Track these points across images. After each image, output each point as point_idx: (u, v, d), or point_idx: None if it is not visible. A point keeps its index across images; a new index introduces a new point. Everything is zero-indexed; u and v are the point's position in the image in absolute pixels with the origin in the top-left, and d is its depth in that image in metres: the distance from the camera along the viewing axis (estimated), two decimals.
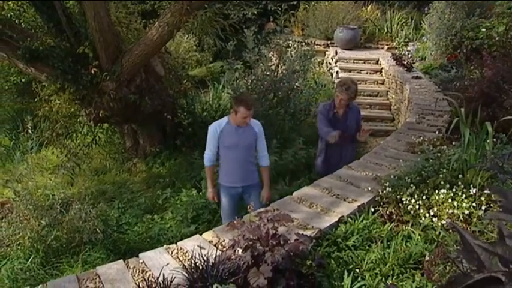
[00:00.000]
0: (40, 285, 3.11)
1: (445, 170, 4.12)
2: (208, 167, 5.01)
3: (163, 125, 8.14)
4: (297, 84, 7.28)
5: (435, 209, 3.73)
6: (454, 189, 3.83)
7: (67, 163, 7.56)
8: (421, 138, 5.61)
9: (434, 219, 3.62)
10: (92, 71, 6.60)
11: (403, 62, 10.41)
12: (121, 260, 3.30)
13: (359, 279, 3.09)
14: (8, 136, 11.17)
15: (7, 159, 9.23)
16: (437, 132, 5.89)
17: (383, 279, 3.07)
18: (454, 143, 5.13)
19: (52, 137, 7.89)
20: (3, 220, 5.42)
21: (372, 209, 3.90)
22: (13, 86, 12.03)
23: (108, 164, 8.29)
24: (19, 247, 5.27)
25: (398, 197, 3.94)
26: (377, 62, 11.76)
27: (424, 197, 3.83)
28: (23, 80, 11.56)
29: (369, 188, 4.28)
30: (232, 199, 4.97)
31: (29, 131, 6.28)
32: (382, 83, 11.09)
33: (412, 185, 4.00)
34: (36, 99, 7.76)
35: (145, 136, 8.21)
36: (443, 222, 3.59)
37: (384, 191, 4.06)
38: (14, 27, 6.97)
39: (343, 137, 5.22)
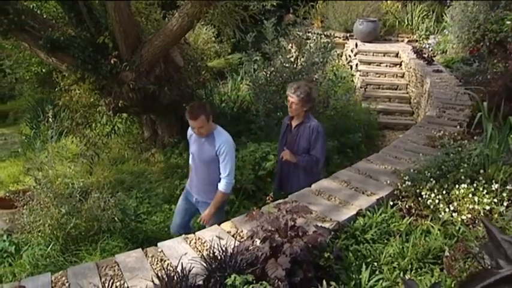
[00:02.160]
0: (61, 271, 3.16)
1: (465, 165, 4.07)
2: (190, 167, 4.86)
3: (182, 115, 8.12)
4: (316, 76, 7.23)
5: (455, 204, 3.69)
6: (474, 185, 3.78)
7: (86, 152, 7.66)
8: (442, 132, 5.54)
9: (454, 214, 3.59)
10: (112, 61, 6.63)
11: (424, 55, 10.28)
12: (140, 249, 3.34)
13: (377, 272, 3.08)
14: (29, 125, 11.33)
15: (28, 148, 9.37)
16: (458, 127, 5.82)
17: (401, 273, 3.06)
18: (475, 137, 5.06)
19: (72, 126, 7.96)
20: (25, 207, 5.51)
21: (391, 203, 3.87)
22: (34, 76, 12.19)
23: (126, 153, 8.34)
24: (39, 234, 5.35)
25: (417, 191, 3.91)
26: (397, 55, 11.64)
27: (444, 192, 3.79)
28: (43, 70, 11.70)
29: (388, 182, 4.25)
30: (184, 200, 4.75)
31: (50, 120, 6.36)
32: (402, 76, 10.96)
33: (431, 180, 3.96)
34: (56, 89, 7.83)
35: (163, 126, 8.23)
36: (463, 217, 3.55)
37: (403, 185, 4.03)
38: (36, 18, 7.04)
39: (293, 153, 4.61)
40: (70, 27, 7.20)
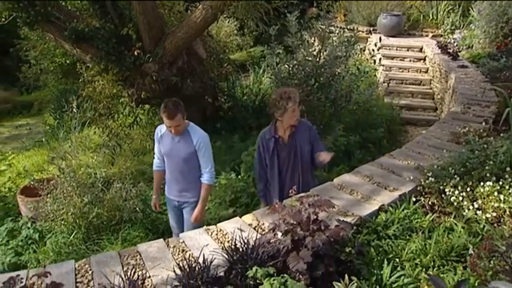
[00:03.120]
0: (84, 259, 3.20)
1: (491, 162, 3.99)
2: (154, 172, 4.74)
3: (204, 108, 8.19)
4: (338, 70, 7.17)
5: (479, 201, 3.63)
6: (500, 182, 3.71)
7: (109, 143, 7.74)
8: (466, 128, 5.45)
9: (479, 212, 3.53)
10: (135, 53, 6.69)
11: (449, 50, 10.12)
12: (161, 239, 3.36)
13: (398, 268, 3.04)
14: (53, 115, 11.49)
15: (51, 138, 9.52)
16: (483, 123, 5.72)
17: (423, 270, 3.02)
18: (502, 134, 4.95)
19: (95, 117, 8.06)
20: (49, 196, 5.60)
21: (414, 199, 3.83)
22: (58, 67, 12.40)
23: (148, 145, 8.40)
24: (63, 222, 5.44)
25: (441, 187, 3.85)
26: (421, 50, 11.48)
27: (468, 189, 3.73)
28: (67, 62, 11.90)
29: (411, 177, 4.20)
30: (172, 211, 4.69)
31: (74, 110, 6.45)
32: (426, 72, 10.82)
33: (455, 176, 3.89)
34: (80, 80, 7.93)
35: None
36: (488, 215, 3.49)
37: (427, 181, 3.97)
38: (61, 9, 7.13)
39: (293, 166, 4.33)
40: (94, 18, 7.28)
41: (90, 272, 3.02)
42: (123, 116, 8.20)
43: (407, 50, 11.58)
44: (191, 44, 7.13)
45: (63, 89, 12.93)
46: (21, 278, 2.39)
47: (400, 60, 11.30)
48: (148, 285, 2.78)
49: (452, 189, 3.74)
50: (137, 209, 5.49)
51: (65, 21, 6.87)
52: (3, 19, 6.89)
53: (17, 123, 12.89)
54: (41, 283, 2.58)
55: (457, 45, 10.94)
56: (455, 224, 3.49)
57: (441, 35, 12.26)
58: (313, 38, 7.64)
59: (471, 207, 3.57)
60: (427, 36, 12.64)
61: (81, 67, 7.67)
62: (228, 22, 13.08)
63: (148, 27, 6.64)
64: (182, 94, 7.27)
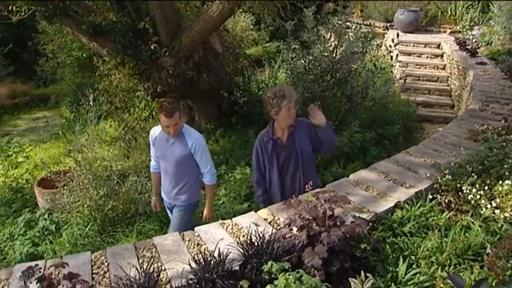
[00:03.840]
0: (100, 251, 3.23)
1: (510, 161, 3.94)
2: (151, 174, 4.77)
3: (219, 102, 8.21)
4: (354, 66, 7.12)
5: (498, 200, 3.58)
6: None
7: (124, 136, 7.79)
8: (485, 126, 5.38)
9: (497, 211, 3.48)
10: (152, 47, 6.71)
11: (467, 46, 9.98)
12: (177, 232, 3.38)
13: (414, 266, 3.02)
14: (69, 108, 11.60)
15: (68, 131, 9.61)
16: (502, 121, 5.63)
17: (439, 268, 2.99)
18: None
19: (111, 110, 8.11)
20: (65, 188, 5.67)
21: (430, 196, 3.79)
22: (75, 60, 12.50)
23: None
24: (78, 214, 5.51)
25: (458, 185, 3.80)
26: (438, 46, 11.34)
27: (486, 187, 3.68)
28: (84, 55, 11.99)
29: (427, 175, 4.15)
30: (169, 211, 4.73)
31: (90, 103, 6.50)
32: (443, 68, 10.69)
33: (473, 174, 3.85)
34: (96, 74, 7.99)
35: (200, 113, 8.30)
36: (507, 214, 3.44)
37: (443, 179, 3.93)
38: (79, 3, 7.18)
39: (293, 168, 4.14)
40: (111, 12, 7.31)
41: (106, 264, 3.05)
42: (138, 110, 8.24)
43: (425, 47, 11.45)
44: (207, 38, 7.13)
45: (79, 82, 13.06)
46: (40, 268, 2.42)
47: (417, 56, 11.19)
48: (163, 277, 2.80)
49: (469, 188, 3.70)
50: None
51: (83, 15, 6.91)
52: (22, 13, 6.95)
53: (34, 116, 13.04)
54: (58, 273, 2.61)
55: (475, 41, 10.78)
56: (473, 222, 3.44)
57: (459, 31, 12.10)
58: (329, 34, 7.60)
59: (489, 205, 3.52)
60: (445, 32, 12.47)
61: (98, 61, 7.71)
62: (244, 17, 13.06)
63: (165, 21, 6.65)
64: (198, 88, 7.29)
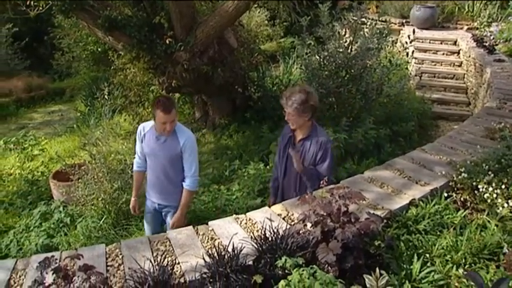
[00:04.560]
0: (114, 244, 3.25)
1: None
2: (134, 172, 4.45)
3: (234, 97, 8.22)
4: (370, 62, 7.08)
5: None
6: None
7: None
8: (502, 124, 5.31)
9: None
10: (167, 41, 6.74)
11: (484, 43, 9.86)
12: (191, 226, 3.39)
13: (428, 264, 3.00)
14: (84, 102, 11.69)
15: (82, 124, 9.70)
16: None
17: (454, 267, 2.97)
18: None
19: (125, 104, 8.16)
20: (79, 181, 5.72)
21: (445, 194, 3.76)
22: (90, 54, 12.59)
23: None
24: (93, 207, 5.55)
25: (474, 183, 3.76)
26: (455, 43, 11.23)
27: (502, 186, 3.63)
28: (99, 49, 12.07)
29: (443, 172, 4.12)
30: (149, 213, 4.42)
31: (105, 97, 6.55)
32: (460, 65, 10.59)
33: (490, 173, 3.80)
34: (111, 68, 8.03)
35: (215, 108, 8.32)
36: None
37: (459, 177, 3.89)
38: None
39: (294, 173, 4.01)
40: (127, 7, 7.34)
41: (120, 257, 3.07)
42: None
43: (441, 43, 11.35)
44: (222, 33, 7.13)
45: (94, 76, 13.16)
46: (56, 259, 2.44)
47: (433, 53, 11.09)
48: (177, 271, 2.81)
49: (486, 186, 3.66)
50: None
51: (99, 10, 6.95)
52: (40, 8, 7.01)
53: (50, 109, 13.16)
54: (73, 265, 2.63)
55: (493, 38, 10.63)
56: (489, 221, 3.41)
57: (477, 28, 11.95)
58: (344, 30, 7.56)
59: (506, 204, 3.47)
60: (461, 29, 12.34)
61: (113, 55, 7.76)
62: (259, 12, 13.02)
63: (180, 16, 6.67)
64: (212, 83, 7.30)
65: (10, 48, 14.56)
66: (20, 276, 2.90)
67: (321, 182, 3.48)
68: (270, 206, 3.78)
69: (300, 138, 3.96)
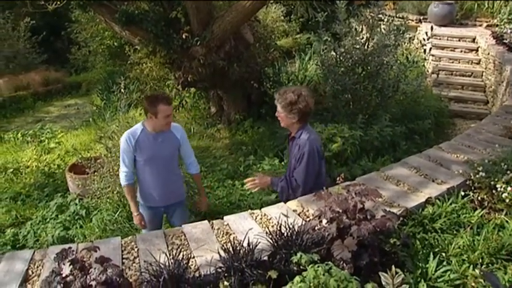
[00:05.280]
0: (130, 237, 3.28)
1: None
2: (127, 187, 4.12)
3: (249, 92, 8.21)
4: (386, 59, 7.03)
5: None
6: None
7: None
8: None
9: None
10: (183, 36, 6.75)
11: (504, 41, 9.71)
12: (206, 221, 3.40)
13: (444, 263, 2.98)
14: (100, 96, 11.78)
15: (98, 118, 9.77)
16: None
17: (471, 266, 2.93)
18: None
19: (141, 98, 8.20)
20: (95, 174, 5.76)
21: (462, 193, 3.72)
22: (106, 49, 12.67)
23: (192, 128, 8.51)
24: (108, 200, 5.58)
25: (492, 183, 3.72)
26: (473, 40, 11.08)
27: None
28: (115, 44, 12.15)
29: (460, 171, 4.08)
30: (153, 219, 4.30)
31: (122, 91, 6.59)
32: (478, 63, 10.44)
33: (508, 172, 3.75)
34: (128, 62, 8.07)
35: (230, 103, 8.32)
36: None
37: (477, 176, 3.85)
38: None
39: (288, 171, 4.03)
40: (144, 1, 7.36)
41: (136, 250, 3.09)
42: None
43: (459, 40, 11.20)
44: (239, 28, 7.12)
45: (110, 70, 13.25)
46: (73, 251, 2.47)
47: (451, 50, 10.96)
48: (192, 265, 2.82)
49: (504, 186, 3.61)
50: None
51: (116, 4, 6.99)
52: (58, 2, 7.07)
53: (66, 103, 13.27)
54: (89, 257, 2.66)
55: None
56: (507, 221, 3.37)
57: (496, 25, 11.73)
58: (361, 26, 7.51)
59: None
60: (480, 26, 12.15)
61: (129, 49, 7.80)
62: (275, 8, 12.97)
63: (197, 11, 6.67)
64: (228, 78, 7.31)
65: (28, 43, 14.69)
66: (37, 267, 2.94)
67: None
68: None
69: (291, 138, 3.98)
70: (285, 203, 3.66)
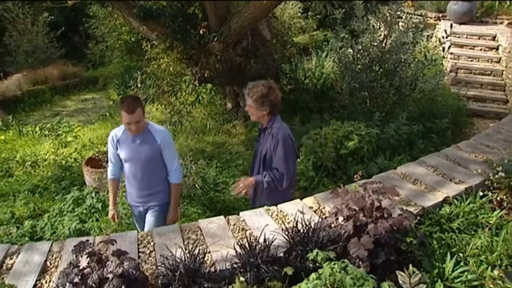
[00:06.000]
0: (146, 231, 3.30)
1: None
2: (110, 181, 4.27)
3: None
4: (404, 57, 6.96)
5: None
6: None
7: (171, 119, 7.91)
8: None
9: None
10: (201, 32, 6.75)
11: None
12: (222, 216, 3.41)
13: (462, 264, 2.95)
14: (117, 91, 11.86)
15: (115, 112, 9.83)
16: None
17: (489, 268, 2.90)
18: None
19: (157, 93, 8.23)
20: None
21: (481, 193, 3.68)
22: (123, 44, 12.74)
23: (208, 123, 8.53)
24: (124, 194, 5.61)
25: (511, 183, 3.67)
26: (494, 39, 10.90)
27: None
28: (132, 39, 12.21)
29: (479, 171, 4.03)
30: (137, 219, 4.35)
31: (139, 85, 6.62)
32: (498, 62, 10.29)
33: None
34: (145, 57, 8.10)
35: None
36: None
37: (496, 176, 3.80)
38: None
39: (256, 165, 4.04)
40: None
41: (152, 244, 3.11)
42: (185, 94, 8.31)
43: (479, 38, 11.04)
44: (256, 24, 7.11)
45: (127, 65, 13.33)
46: (90, 243, 2.49)
47: (470, 49, 10.80)
48: (208, 260, 2.83)
49: None
50: (196, 185, 5.59)
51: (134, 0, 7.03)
52: None
53: (83, 97, 13.38)
54: (106, 250, 2.68)
55: None
56: None
57: None
58: (379, 23, 7.45)
59: None
60: (501, 23, 11.94)
61: (147, 45, 7.83)
62: (292, 4, 12.93)
63: (215, 7, 6.67)
64: (245, 74, 7.30)
65: (47, 37, 14.83)
66: (55, 258, 2.98)
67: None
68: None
69: (262, 128, 4.00)
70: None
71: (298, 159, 6.11)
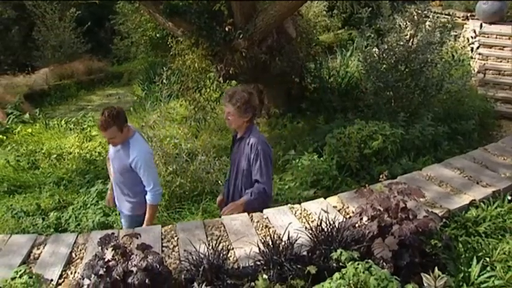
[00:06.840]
0: (170, 225, 3.33)
1: None
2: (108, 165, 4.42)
3: (289, 87, 8.18)
4: (431, 57, 6.86)
5: None
6: None
7: (195, 116, 7.94)
8: None
9: None
10: (226, 29, 6.77)
11: None
12: (246, 213, 3.41)
13: (488, 268, 2.89)
14: (141, 86, 11.97)
15: (139, 108, 9.93)
16: None
17: None
18: None
19: (182, 89, 8.27)
20: None
21: (509, 197, 3.62)
22: (148, 40, 12.85)
23: None
24: None
25: None
26: None
27: None
28: (157, 35, 12.30)
29: (507, 174, 3.97)
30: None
31: (164, 81, 6.67)
32: None
33: None
34: (170, 53, 8.15)
35: (270, 97, 8.30)
36: None
37: None
38: None
39: (233, 174, 3.91)
40: None
41: (175, 238, 3.14)
42: (210, 91, 8.34)
43: (509, 39, 10.76)
44: (282, 22, 7.10)
45: (151, 61, 13.44)
46: (115, 236, 2.52)
47: (499, 49, 10.54)
48: (231, 256, 2.84)
49: None
50: (219, 182, 5.62)
51: None
52: None
53: (108, 92, 13.55)
54: (130, 243, 2.71)
55: None
56: None
57: None
58: (405, 22, 7.36)
59: None
60: None
61: (172, 41, 7.87)
62: (317, 3, 12.87)
63: (241, 4, 6.69)
64: (269, 72, 7.30)
65: (73, 33, 15.07)
66: (80, 250, 3.03)
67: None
68: (219, 205, 3.98)
69: (238, 139, 3.85)
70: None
71: (321, 158, 6.09)
